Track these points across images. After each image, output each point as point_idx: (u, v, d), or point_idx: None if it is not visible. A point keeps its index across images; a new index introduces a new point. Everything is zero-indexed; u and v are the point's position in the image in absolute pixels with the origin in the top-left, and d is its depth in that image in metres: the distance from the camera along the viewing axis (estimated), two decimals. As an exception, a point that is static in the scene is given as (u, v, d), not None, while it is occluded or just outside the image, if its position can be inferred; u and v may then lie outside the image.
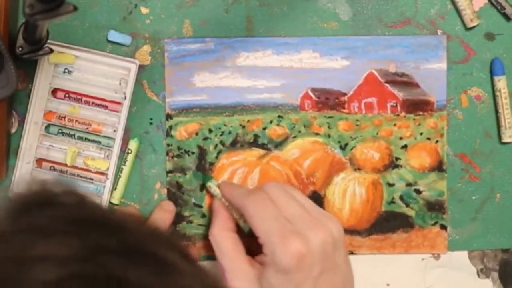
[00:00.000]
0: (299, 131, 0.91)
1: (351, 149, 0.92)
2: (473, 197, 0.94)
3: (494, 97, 0.93)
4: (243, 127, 0.91)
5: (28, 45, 0.82)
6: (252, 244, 0.82)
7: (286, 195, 0.80)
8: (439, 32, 0.92)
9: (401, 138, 0.92)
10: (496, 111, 0.93)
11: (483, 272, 0.94)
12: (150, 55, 0.91)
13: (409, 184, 0.92)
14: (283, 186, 0.83)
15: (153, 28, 0.91)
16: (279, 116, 0.91)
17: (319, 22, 0.92)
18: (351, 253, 0.92)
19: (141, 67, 0.90)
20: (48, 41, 0.83)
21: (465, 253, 0.94)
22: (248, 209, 0.79)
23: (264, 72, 0.91)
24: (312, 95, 0.91)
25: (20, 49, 0.82)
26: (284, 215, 0.78)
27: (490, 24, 0.93)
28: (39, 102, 0.88)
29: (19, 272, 0.30)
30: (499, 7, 0.93)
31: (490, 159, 0.94)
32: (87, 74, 0.89)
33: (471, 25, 0.92)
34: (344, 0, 0.92)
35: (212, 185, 0.89)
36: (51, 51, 0.83)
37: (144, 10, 0.91)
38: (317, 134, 0.92)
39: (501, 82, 0.92)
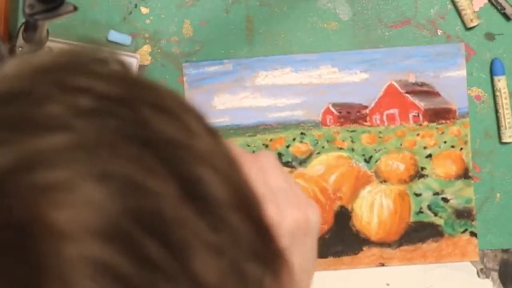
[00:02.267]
0: (323, 147, 0.91)
1: (376, 162, 0.92)
2: (473, 197, 0.94)
3: (494, 97, 0.93)
4: (266, 146, 0.91)
5: (28, 45, 0.82)
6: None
7: (277, 167, 0.80)
8: (439, 32, 0.92)
9: (425, 148, 0.92)
10: (496, 111, 0.93)
11: (483, 272, 0.94)
12: (150, 55, 0.91)
13: (436, 193, 0.92)
14: (276, 158, 0.83)
15: (153, 28, 0.91)
16: (301, 133, 0.91)
17: (319, 22, 0.92)
18: (382, 265, 0.92)
19: (141, 67, 0.90)
20: (49, 38, 0.83)
21: (465, 253, 0.94)
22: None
23: (284, 90, 0.91)
24: (333, 110, 0.91)
25: (20, 49, 0.82)
26: (270, 185, 0.78)
27: (490, 24, 0.93)
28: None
29: (60, 94, 0.31)
30: (499, 7, 0.93)
31: (490, 159, 0.94)
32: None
33: (471, 25, 0.92)
34: (344, 0, 0.92)
35: None
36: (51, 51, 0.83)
37: (144, 10, 0.91)
38: (340, 148, 0.91)
39: (501, 82, 0.92)
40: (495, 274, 0.94)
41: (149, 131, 0.30)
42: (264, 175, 0.80)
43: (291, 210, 0.77)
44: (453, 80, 0.92)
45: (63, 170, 0.28)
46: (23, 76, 0.32)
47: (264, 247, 0.32)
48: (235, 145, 0.87)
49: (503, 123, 0.92)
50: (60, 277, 0.26)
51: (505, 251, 0.94)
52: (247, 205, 0.32)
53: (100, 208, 0.27)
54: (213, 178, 0.31)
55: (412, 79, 0.92)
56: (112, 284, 0.26)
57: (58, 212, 0.27)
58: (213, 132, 0.33)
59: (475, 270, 0.94)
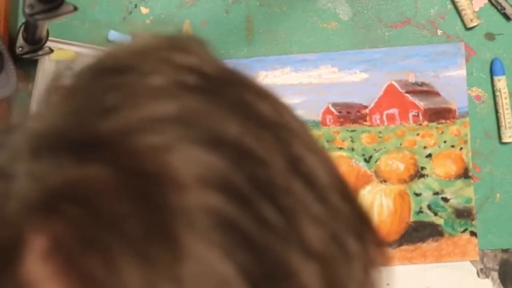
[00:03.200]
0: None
1: (376, 162, 0.92)
2: (473, 197, 0.94)
3: (494, 97, 0.93)
4: None
5: (28, 45, 0.82)
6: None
7: None
8: (439, 32, 0.93)
9: (425, 147, 0.92)
10: (496, 111, 0.93)
11: (483, 272, 0.94)
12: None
13: (436, 193, 0.92)
14: None
15: (153, 28, 0.90)
16: None
17: (319, 22, 0.92)
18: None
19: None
20: (49, 38, 0.83)
21: (465, 253, 0.94)
22: None
23: (284, 90, 0.91)
24: (333, 110, 0.91)
25: (20, 49, 0.82)
26: None
27: (490, 24, 0.93)
28: (39, 102, 0.89)
29: (167, 69, 0.32)
30: (499, 7, 0.93)
31: (490, 159, 0.94)
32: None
33: (471, 25, 0.92)
34: (344, 0, 0.92)
35: None
36: (51, 51, 0.83)
37: (144, 10, 0.91)
38: (340, 148, 0.91)
39: (501, 82, 0.92)
40: (495, 274, 0.94)
41: (253, 111, 0.32)
42: None
43: None
44: (453, 79, 0.92)
45: (173, 134, 0.29)
46: (130, 53, 0.34)
47: (361, 226, 0.34)
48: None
49: (503, 123, 0.93)
50: (189, 223, 0.27)
51: (505, 251, 0.94)
52: (343, 186, 0.34)
53: (214, 167, 0.29)
54: (313, 159, 0.33)
55: (412, 78, 0.92)
56: (234, 235, 0.28)
57: (181, 167, 0.28)
58: (300, 120, 0.36)
59: (475, 270, 0.94)
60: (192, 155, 0.29)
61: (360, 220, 0.34)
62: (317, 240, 0.30)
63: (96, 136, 0.29)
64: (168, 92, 0.31)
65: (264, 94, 0.34)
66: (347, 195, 0.34)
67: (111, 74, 0.32)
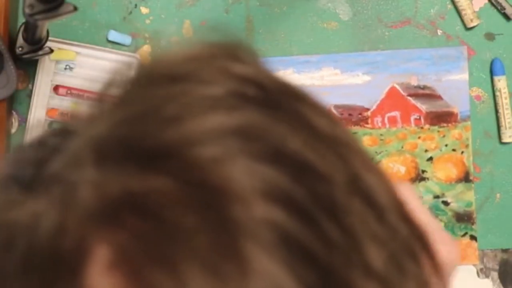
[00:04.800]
0: None
1: None
2: (474, 201, 0.94)
3: (494, 97, 0.93)
4: None
5: (28, 45, 0.82)
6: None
7: (419, 200, 0.79)
8: (439, 32, 0.93)
9: (426, 151, 0.92)
10: (496, 111, 0.93)
11: (483, 272, 0.94)
12: (150, 55, 0.91)
13: (436, 196, 0.92)
14: (415, 190, 0.82)
15: (153, 28, 0.91)
16: None
17: (319, 22, 0.92)
18: None
19: (141, 67, 0.90)
20: (49, 38, 0.83)
21: (465, 253, 0.94)
22: None
23: None
24: (335, 112, 0.91)
25: (20, 49, 0.82)
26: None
27: (490, 24, 0.93)
28: (41, 99, 0.89)
29: (224, 79, 0.32)
30: (499, 7, 0.93)
31: (490, 159, 0.94)
32: (88, 70, 0.90)
33: (471, 25, 0.92)
34: (344, 0, 0.92)
35: None
36: (51, 51, 0.83)
37: (144, 10, 0.91)
38: None
39: (501, 82, 0.92)
40: (495, 274, 0.94)
41: (311, 125, 0.32)
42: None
43: (439, 245, 0.76)
44: (455, 83, 0.92)
45: (235, 146, 0.29)
46: (185, 61, 0.33)
47: (417, 246, 0.33)
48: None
49: (503, 123, 0.93)
50: (253, 238, 0.27)
51: (505, 251, 0.94)
52: (400, 206, 0.33)
53: (276, 181, 0.28)
54: (371, 177, 0.32)
55: (414, 82, 0.92)
56: (297, 251, 0.28)
57: (243, 181, 0.28)
58: (352, 134, 0.35)
59: (475, 270, 0.94)
60: (253, 168, 0.28)
61: (416, 240, 0.33)
62: (378, 260, 0.30)
63: (158, 146, 0.29)
64: (228, 104, 0.31)
65: (319, 107, 0.34)
66: (404, 214, 0.33)
67: (167, 81, 0.32)
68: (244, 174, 0.28)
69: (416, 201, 0.79)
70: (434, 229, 0.77)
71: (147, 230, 0.27)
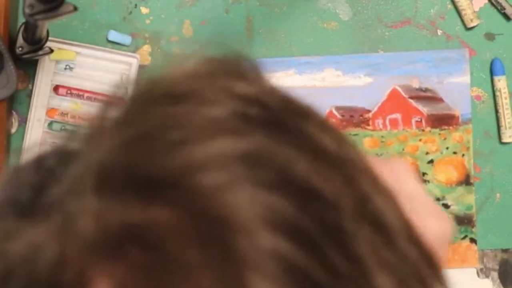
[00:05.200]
0: None
1: None
2: (474, 204, 0.94)
3: (494, 97, 0.93)
4: None
5: (28, 45, 0.82)
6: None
7: (412, 176, 0.79)
8: (439, 32, 0.93)
9: (427, 153, 0.92)
10: (496, 111, 0.93)
11: (483, 272, 0.94)
12: (150, 55, 0.91)
13: (437, 199, 0.92)
14: (409, 166, 0.82)
15: (153, 28, 0.91)
16: None
17: (319, 22, 0.92)
18: None
19: (141, 67, 0.90)
20: (49, 38, 0.83)
21: (465, 253, 0.94)
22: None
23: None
24: (336, 113, 0.91)
25: (20, 49, 0.82)
26: (407, 193, 0.77)
27: (490, 24, 0.93)
28: (41, 99, 0.89)
29: (227, 99, 0.31)
30: (499, 7, 0.93)
31: (490, 159, 0.94)
32: (88, 70, 0.90)
33: (471, 25, 0.92)
34: (344, 0, 0.92)
35: None
36: (51, 51, 0.83)
37: (144, 10, 0.91)
38: None
39: (501, 82, 0.92)
40: (495, 274, 0.94)
41: (317, 146, 0.31)
42: (400, 184, 0.78)
43: (430, 219, 0.76)
44: (457, 86, 0.92)
45: (239, 173, 0.28)
46: (185, 79, 0.32)
47: (427, 270, 0.33)
48: (368, 153, 0.87)
49: (503, 123, 0.93)
50: (258, 270, 0.26)
51: (505, 251, 0.94)
52: (409, 228, 0.33)
53: (282, 210, 0.28)
54: (380, 199, 0.31)
55: (416, 84, 0.92)
56: (304, 284, 0.27)
57: (247, 210, 0.27)
58: (359, 151, 0.34)
59: (475, 270, 0.94)
60: (258, 196, 0.28)
61: (426, 264, 0.33)
62: (387, 287, 0.29)
63: (162, 174, 0.28)
64: (232, 126, 0.30)
65: (324, 125, 0.33)
66: (413, 237, 0.33)
67: (168, 101, 0.31)
68: (248, 202, 0.27)
69: (407, 176, 0.78)
70: (426, 202, 0.77)
71: (149, 264, 0.26)
